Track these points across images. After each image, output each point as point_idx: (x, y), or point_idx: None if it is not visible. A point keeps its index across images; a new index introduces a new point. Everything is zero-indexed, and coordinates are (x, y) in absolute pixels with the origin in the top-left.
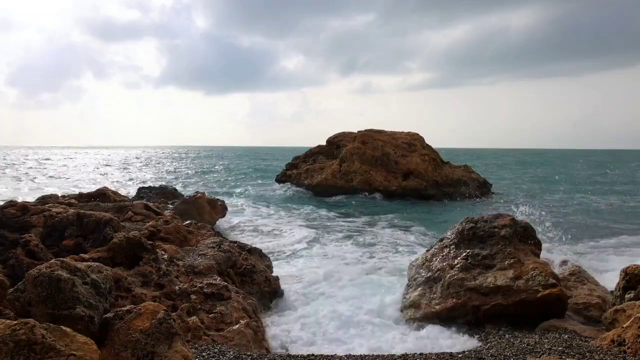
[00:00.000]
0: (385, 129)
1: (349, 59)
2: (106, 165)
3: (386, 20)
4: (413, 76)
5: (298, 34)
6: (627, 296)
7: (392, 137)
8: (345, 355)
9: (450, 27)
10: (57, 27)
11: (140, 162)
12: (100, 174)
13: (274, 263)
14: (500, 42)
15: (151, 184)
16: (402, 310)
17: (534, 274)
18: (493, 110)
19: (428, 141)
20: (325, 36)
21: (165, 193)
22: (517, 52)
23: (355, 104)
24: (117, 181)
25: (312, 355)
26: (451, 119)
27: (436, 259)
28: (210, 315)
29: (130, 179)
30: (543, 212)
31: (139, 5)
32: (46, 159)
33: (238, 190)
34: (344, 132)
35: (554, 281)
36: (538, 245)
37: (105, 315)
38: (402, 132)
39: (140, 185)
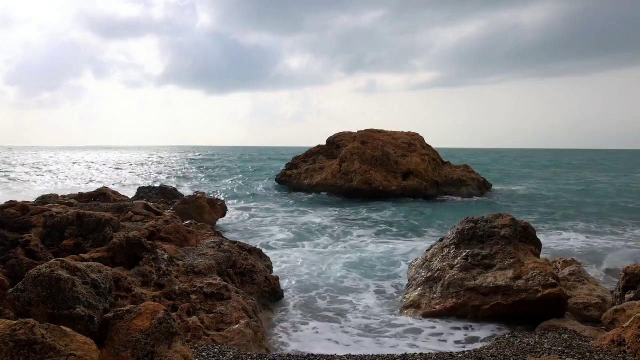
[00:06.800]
0: (386, 129)
1: (355, 57)
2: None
3: (397, 17)
4: (419, 75)
5: (305, 30)
6: (627, 296)
7: (392, 137)
8: (346, 355)
9: (462, 24)
10: (57, 24)
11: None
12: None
13: (274, 262)
14: (511, 39)
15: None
16: (402, 310)
17: (534, 274)
18: (502, 110)
19: (432, 141)
20: (332, 33)
21: (165, 193)
22: (529, 50)
23: (359, 104)
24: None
25: (312, 355)
26: (457, 118)
27: (436, 259)
28: (210, 315)
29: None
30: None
31: (142, 0)
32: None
33: (238, 190)
34: (344, 132)
35: (554, 281)
36: (538, 245)
37: (105, 315)
38: (402, 132)
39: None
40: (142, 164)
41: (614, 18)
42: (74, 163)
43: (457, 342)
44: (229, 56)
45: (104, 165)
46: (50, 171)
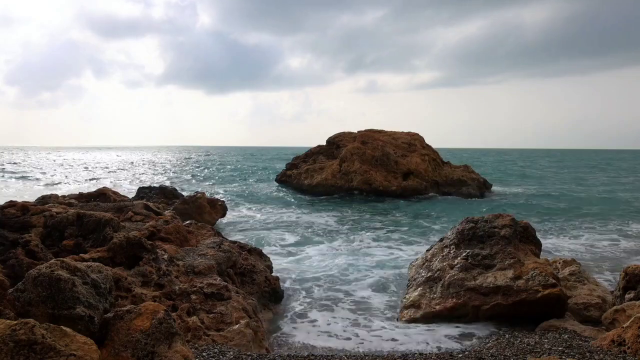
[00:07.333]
0: (387, 129)
1: (356, 57)
2: None
3: (397, 16)
4: (420, 75)
5: (305, 30)
6: (627, 296)
7: (392, 137)
8: (346, 355)
9: (463, 24)
10: (57, 24)
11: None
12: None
13: (274, 262)
14: (513, 39)
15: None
16: (402, 310)
17: (534, 274)
18: (503, 110)
19: (432, 141)
20: (333, 33)
21: (165, 193)
22: (530, 50)
23: (360, 104)
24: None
25: (312, 355)
26: (458, 118)
27: (436, 259)
28: (210, 315)
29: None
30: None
31: (142, 0)
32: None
33: (238, 190)
34: (344, 132)
35: (554, 281)
36: (538, 245)
37: (105, 315)
38: (402, 132)
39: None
40: (142, 164)
41: (615, 18)
42: (73, 163)
43: (457, 342)
44: (230, 56)
45: (104, 165)
46: (49, 171)
